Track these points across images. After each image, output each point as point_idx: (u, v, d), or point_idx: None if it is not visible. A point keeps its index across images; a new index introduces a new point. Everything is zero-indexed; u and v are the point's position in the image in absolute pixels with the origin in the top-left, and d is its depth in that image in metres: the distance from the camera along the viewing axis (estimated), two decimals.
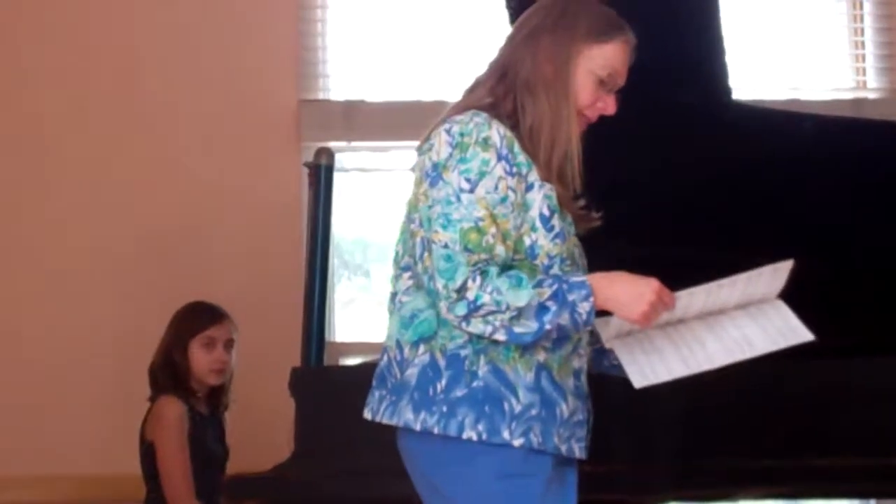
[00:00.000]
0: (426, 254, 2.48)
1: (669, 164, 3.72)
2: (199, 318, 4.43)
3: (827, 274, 3.75)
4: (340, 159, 4.72)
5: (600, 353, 2.66)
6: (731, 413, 3.40)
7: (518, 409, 2.44)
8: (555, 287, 2.41)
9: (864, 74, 5.80)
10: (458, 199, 2.42)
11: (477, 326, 2.41)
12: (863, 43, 5.82)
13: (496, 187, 2.45)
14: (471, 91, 2.63)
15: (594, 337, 2.61)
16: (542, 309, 2.40)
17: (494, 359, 2.46)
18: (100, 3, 5.34)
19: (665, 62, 3.61)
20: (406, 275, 2.56)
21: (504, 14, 3.59)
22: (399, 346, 2.53)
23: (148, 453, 4.29)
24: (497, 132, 2.47)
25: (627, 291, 2.44)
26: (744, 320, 2.56)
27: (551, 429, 2.48)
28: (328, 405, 3.70)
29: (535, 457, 2.46)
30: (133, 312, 5.07)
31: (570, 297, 2.40)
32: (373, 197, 5.62)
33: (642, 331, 2.52)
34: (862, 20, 5.83)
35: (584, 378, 2.59)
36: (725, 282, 2.52)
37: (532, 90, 2.54)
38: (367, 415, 2.58)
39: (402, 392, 2.50)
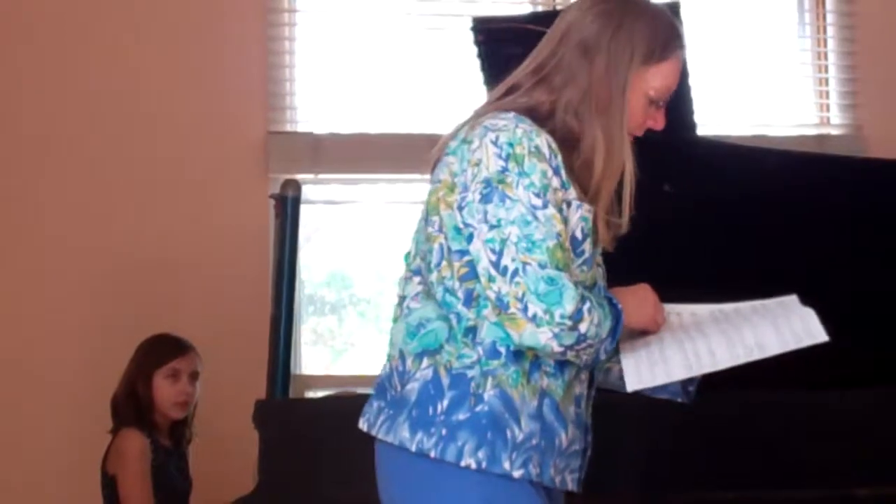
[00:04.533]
0: (444, 262, 2.38)
1: (633, 198, 3.73)
2: (163, 349, 4.41)
3: None
4: (307, 192, 4.72)
5: (609, 369, 2.57)
6: (705, 446, 3.41)
7: (520, 437, 2.33)
8: (615, 310, 2.35)
9: (828, 111, 5.86)
10: (535, 216, 2.28)
11: (570, 356, 2.32)
12: (827, 80, 5.88)
13: (556, 198, 2.34)
14: (506, 94, 2.47)
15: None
16: (614, 333, 2.35)
17: (502, 383, 2.33)
18: (72, 36, 5.32)
19: None
20: (417, 279, 2.44)
21: (472, 49, 3.61)
22: (402, 356, 2.41)
23: (110, 487, 4.26)
24: (546, 142, 2.35)
25: (630, 301, 2.40)
26: (763, 324, 2.47)
27: (549, 460, 2.37)
28: (292, 438, 3.69)
29: (521, 487, 2.35)
30: (97, 343, 5.04)
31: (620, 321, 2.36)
32: (341, 229, 5.64)
33: (656, 340, 2.45)
34: (826, 58, 5.88)
35: (583, 405, 2.47)
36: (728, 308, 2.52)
37: (584, 112, 2.41)
38: (363, 426, 2.45)
39: (401, 407, 2.37)
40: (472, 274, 2.33)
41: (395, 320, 2.48)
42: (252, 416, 3.90)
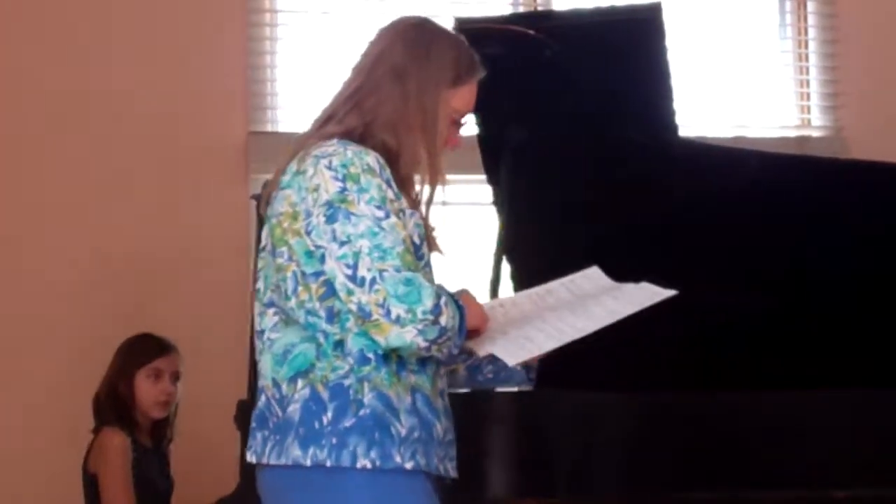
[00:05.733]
0: (301, 287, 2.49)
1: (615, 200, 3.74)
2: (146, 349, 4.41)
3: (768, 308, 3.78)
4: None
5: (473, 369, 2.76)
6: (673, 446, 3.42)
7: (404, 432, 2.46)
8: (460, 305, 2.49)
9: (809, 113, 5.87)
10: (381, 227, 2.43)
11: (434, 351, 2.44)
12: (808, 82, 5.89)
13: (394, 208, 2.49)
14: (324, 123, 2.66)
15: (467, 354, 2.67)
16: (461, 329, 2.48)
17: (378, 385, 2.46)
18: (53, 36, 5.30)
19: (612, 99, 3.65)
20: (271, 311, 2.56)
21: None
22: (276, 383, 2.51)
23: (91, 485, 4.26)
24: (375, 158, 2.51)
25: (462, 300, 2.52)
26: (607, 300, 2.68)
27: (431, 450, 2.50)
28: None
29: (413, 478, 2.48)
30: (79, 343, 5.02)
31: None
32: None
33: (500, 334, 2.62)
34: (807, 59, 5.90)
35: (446, 398, 2.61)
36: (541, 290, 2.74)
37: (401, 132, 2.58)
38: (251, 458, 2.54)
39: (287, 430, 2.47)
40: (330, 292, 2.46)
41: (260, 353, 2.59)
42: (234, 417, 3.90)
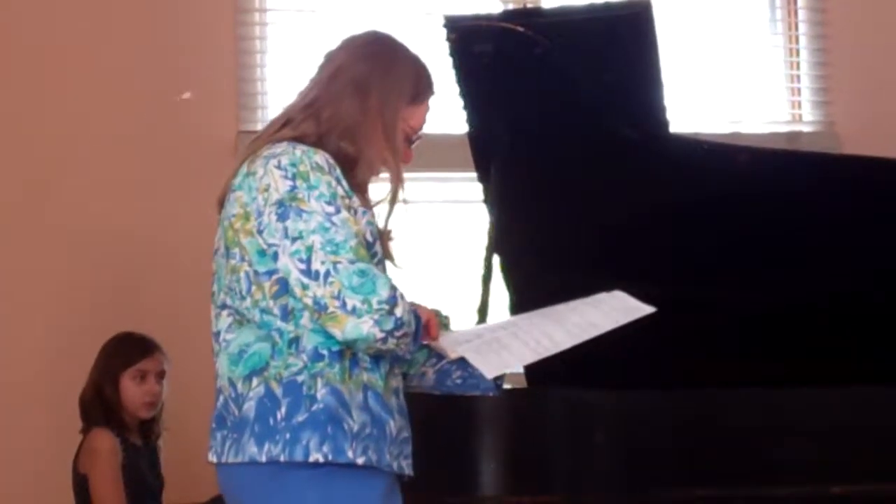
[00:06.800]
0: (254, 287, 2.52)
1: (606, 196, 3.74)
2: (129, 350, 4.39)
3: (762, 305, 3.78)
4: None
5: (443, 373, 2.74)
6: (668, 443, 3.41)
7: (356, 428, 2.48)
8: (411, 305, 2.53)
9: (800, 108, 5.87)
10: (332, 222, 2.46)
11: (391, 344, 2.47)
12: (799, 77, 5.89)
13: (345, 204, 2.52)
14: (279, 129, 2.68)
15: (437, 358, 2.71)
16: (417, 328, 2.53)
17: (331, 380, 2.48)
18: (44, 35, 5.29)
19: (603, 96, 3.64)
20: (225, 313, 2.59)
21: (444, 47, 3.60)
22: (231, 383, 2.55)
23: (82, 486, 4.26)
24: (324, 158, 2.55)
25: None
26: (585, 309, 2.69)
27: (383, 447, 2.53)
28: None
29: (364, 473, 2.51)
30: (68, 340, 4.99)
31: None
32: None
33: (477, 341, 2.65)
34: (798, 54, 5.89)
35: (401, 397, 2.64)
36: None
37: (361, 141, 2.62)
38: (213, 458, 2.57)
39: (243, 428, 2.50)
40: (284, 290, 2.50)
41: (217, 355, 2.61)
42: None
